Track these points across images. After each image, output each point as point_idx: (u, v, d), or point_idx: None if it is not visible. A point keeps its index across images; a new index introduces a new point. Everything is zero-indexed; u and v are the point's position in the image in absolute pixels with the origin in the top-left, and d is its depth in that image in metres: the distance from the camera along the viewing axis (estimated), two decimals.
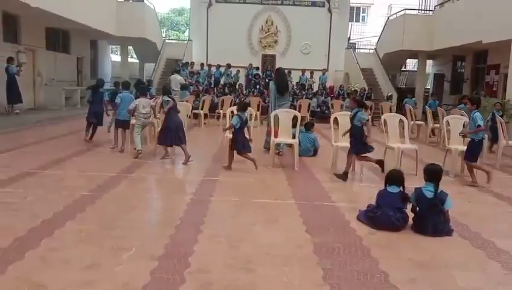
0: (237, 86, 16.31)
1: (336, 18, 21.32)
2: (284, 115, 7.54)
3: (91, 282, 2.94)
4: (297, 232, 4.10)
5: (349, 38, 23.72)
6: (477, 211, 5.20)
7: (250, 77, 18.15)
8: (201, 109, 13.03)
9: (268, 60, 21.51)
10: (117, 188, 5.46)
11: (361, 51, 27.65)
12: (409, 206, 4.32)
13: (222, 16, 20.69)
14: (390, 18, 20.32)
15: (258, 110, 13.49)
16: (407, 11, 18.54)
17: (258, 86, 17.10)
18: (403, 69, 25.64)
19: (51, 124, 11.87)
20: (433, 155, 8.49)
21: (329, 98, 16.19)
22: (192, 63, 18.21)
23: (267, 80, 17.76)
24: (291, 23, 21.18)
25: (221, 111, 12.68)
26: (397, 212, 4.22)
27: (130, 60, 24.59)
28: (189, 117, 12.12)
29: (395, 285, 3.07)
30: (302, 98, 15.62)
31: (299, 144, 8.35)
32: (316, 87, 17.91)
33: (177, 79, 14.10)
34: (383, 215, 4.24)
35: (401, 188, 4.35)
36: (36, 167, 6.38)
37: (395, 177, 4.40)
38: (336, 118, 7.42)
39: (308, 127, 8.66)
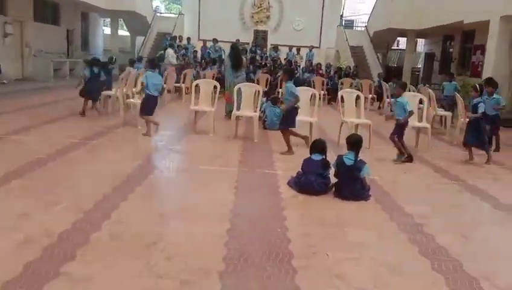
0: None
1: None
2: (247, 88, 7.84)
3: (16, 227, 3.32)
4: (224, 193, 4.46)
5: (341, 16, 23.68)
6: (408, 181, 5.55)
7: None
8: (183, 83, 13.27)
9: (260, 36, 21.59)
10: (73, 153, 5.82)
11: (358, 29, 27.64)
12: (332, 172, 4.66)
13: None
14: None
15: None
16: None
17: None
18: (395, 47, 25.63)
19: (35, 94, 12.18)
20: None
21: (312, 75, 16.32)
22: (180, 37, 18.33)
23: (252, 56, 17.96)
24: None
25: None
26: (318, 178, 4.57)
27: (121, 33, 24.73)
28: (169, 92, 12.55)
29: (288, 238, 3.43)
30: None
31: (265, 118, 8.78)
32: (303, 64, 18.04)
33: (169, 53, 14.57)
34: (305, 180, 4.59)
35: (323, 156, 4.70)
36: (4, 132, 6.73)
37: (318, 146, 4.75)
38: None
39: (274, 101, 8.94)
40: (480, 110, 6.49)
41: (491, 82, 7.35)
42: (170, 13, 25.07)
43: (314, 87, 13.86)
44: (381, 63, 19.70)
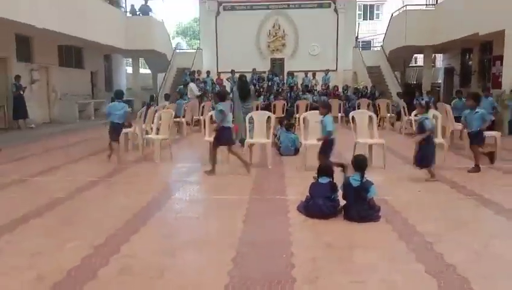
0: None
1: (343, 18, 21.57)
2: (259, 116, 7.97)
3: (30, 266, 3.46)
4: (234, 222, 4.50)
5: (357, 37, 23.83)
6: (422, 199, 5.45)
7: (254, 81, 18.60)
8: (201, 115, 13.45)
9: (277, 64, 21.98)
10: (92, 190, 6.02)
11: (375, 49, 27.71)
12: (340, 194, 4.65)
13: (230, 23, 21.37)
14: (394, 14, 20.32)
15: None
16: (409, 7, 18.54)
17: (261, 90, 17.54)
18: (412, 64, 25.48)
19: (61, 136, 12.67)
20: None
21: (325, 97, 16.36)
22: (199, 72, 18.84)
23: (269, 84, 18.25)
24: (298, 26, 21.57)
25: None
26: (327, 201, 4.57)
27: (143, 71, 25.60)
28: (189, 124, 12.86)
29: (292, 263, 3.44)
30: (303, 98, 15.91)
31: (280, 143, 8.87)
32: (319, 88, 18.18)
33: (192, 87, 15.16)
34: (313, 204, 4.60)
35: (330, 179, 4.71)
36: (28, 174, 7.04)
37: (324, 170, 4.77)
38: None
39: (288, 127, 9.04)
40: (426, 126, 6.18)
41: (472, 95, 7.18)
42: (189, 49, 25.67)
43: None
44: (399, 82, 19.56)
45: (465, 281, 3.08)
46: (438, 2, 18.71)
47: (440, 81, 23.13)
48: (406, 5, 18.74)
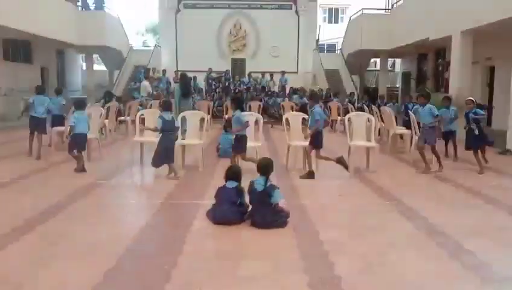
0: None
1: (304, 20, 21.56)
2: (192, 115, 7.69)
3: None
4: (130, 229, 4.21)
5: (317, 40, 23.91)
6: (337, 205, 5.31)
7: (210, 81, 18.35)
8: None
9: (238, 64, 21.72)
10: None
11: (339, 52, 27.86)
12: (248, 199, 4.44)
13: (190, 22, 20.96)
14: (351, 18, 20.45)
15: (209, 113, 13.74)
16: (365, 11, 18.67)
17: (217, 90, 17.28)
18: (372, 68, 25.79)
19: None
20: None
21: (284, 99, 16.26)
22: (154, 69, 18.39)
23: (226, 84, 18.02)
24: (260, 26, 21.42)
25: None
26: (232, 207, 4.34)
27: (99, 68, 24.87)
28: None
29: (170, 275, 3.18)
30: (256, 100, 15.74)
31: (218, 145, 8.60)
32: (276, 89, 18.06)
33: (145, 85, 14.56)
34: (218, 210, 4.36)
35: (237, 183, 4.48)
36: None
37: (232, 173, 4.54)
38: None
39: (227, 128, 8.79)
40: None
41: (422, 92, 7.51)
42: (148, 47, 25.14)
43: (284, 111, 13.88)
44: (355, 85, 19.69)
45: None
46: (394, 7, 18.94)
47: (398, 85, 23.48)
48: (362, 9, 18.84)
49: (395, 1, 19.22)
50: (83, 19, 18.62)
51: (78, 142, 6.91)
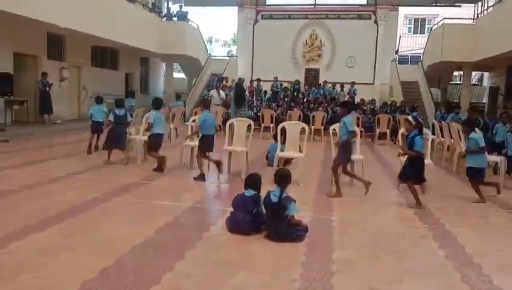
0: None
1: (383, 30, 20.78)
2: (239, 123, 7.74)
3: None
4: (145, 229, 4.28)
5: (397, 51, 22.87)
6: (371, 224, 4.96)
7: (275, 89, 18.42)
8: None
9: (312, 74, 21.55)
10: (42, 185, 6.08)
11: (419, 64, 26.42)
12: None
13: (267, 32, 21.26)
14: (433, 28, 19.27)
15: (272, 121, 13.79)
16: (448, 21, 17.48)
17: (286, 99, 17.25)
18: (457, 82, 24.03)
19: (78, 132, 13.06)
20: None
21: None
22: (227, 78, 18.89)
23: (294, 94, 17.93)
24: (336, 37, 21.06)
25: None
26: (247, 216, 4.25)
27: (179, 75, 26.10)
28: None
29: (160, 279, 3.19)
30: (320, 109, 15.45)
31: (268, 153, 8.55)
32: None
33: (212, 94, 15.01)
34: (233, 218, 4.31)
35: (256, 192, 4.38)
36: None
37: (250, 181, 4.45)
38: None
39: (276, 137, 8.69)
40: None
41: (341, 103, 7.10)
42: (226, 56, 25.94)
43: None
44: (433, 98, 18.44)
45: None
46: (479, 16, 17.53)
47: (485, 101, 21.63)
48: (444, 19, 17.68)
49: (481, 11, 17.79)
50: (165, 29, 19.74)
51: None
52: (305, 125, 7.32)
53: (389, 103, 16.83)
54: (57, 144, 10.95)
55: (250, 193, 4.39)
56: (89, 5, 13.98)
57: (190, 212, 5.02)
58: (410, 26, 35.22)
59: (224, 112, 14.33)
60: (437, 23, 18.82)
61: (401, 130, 7.17)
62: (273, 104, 16.80)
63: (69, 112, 16.24)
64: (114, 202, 5.34)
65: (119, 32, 15.93)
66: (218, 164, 6.82)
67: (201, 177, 6.71)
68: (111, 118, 8.14)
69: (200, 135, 6.95)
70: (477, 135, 6.09)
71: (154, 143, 7.57)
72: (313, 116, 14.09)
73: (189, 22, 21.08)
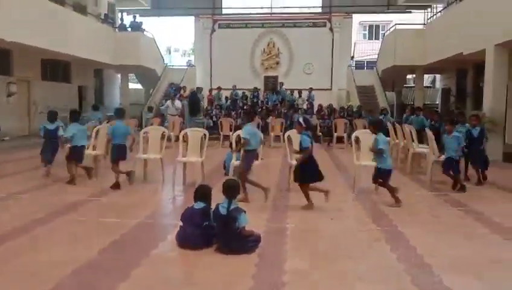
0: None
1: (338, 37, 21.16)
2: (193, 133, 7.58)
3: None
4: (88, 249, 4.04)
5: (352, 57, 23.37)
6: (325, 230, 4.90)
7: (234, 97, 18.41)
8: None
9: (270, 81, 21.59)
10: None
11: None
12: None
13: (225, 41, 21.19)
14: (386, 34, 19.84)
15: (231, 130, 13.66)
16: (399, 26, 18.03)
17: (244, 107, 17.20)
18: (409, 84, 24.81)
19: (26, 149, 12.46)
20: None
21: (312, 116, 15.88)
22: (185, 88, 18.63)
23: (254, 100, 17.94)
24: (293, 44, 21.25)
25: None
26: (196, 230, 4.09)
27: (136, 86, 25.57)
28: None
29: None
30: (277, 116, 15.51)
31: (225, 162, 8.41)
32: (305, 106, 17.73)
33: (167, 104, 14.75)
34: (182, 233, 4.15)
35: (206, 204, 4.23)
36: None
37: (199, 193, 4.30)
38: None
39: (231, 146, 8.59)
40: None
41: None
42: (182, 66, 25.62)
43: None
44: (388, 101, 18.94)
45: None
46: (427, 22, 18.20)
47: (437, 102, 22.42)
48: (395, 25, 18.23)
49: (430, 16, 18.48)
50: (118, 40, 19.27)
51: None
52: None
53: (346, 107, 17.11)
54: (3, 162, 10.34)
55: (199, 205, 4.24)
56: (37, 17, 13.47)
57: (138, 229, 4.79)
58: (365, 32, 36.17)
59: (181, 122, 14.08)
60: (389, 29, 19.33)
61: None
62: (233, 113, 16.73)
63: (19, 128, 15.49)
64: (58, 221, 5.04)
65: (71, 44, 15.41)
66: (128, 174, 6.97)
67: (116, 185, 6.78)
68: (41, 132, 8.21)
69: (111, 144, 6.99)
70: (383, 137, 6.07)
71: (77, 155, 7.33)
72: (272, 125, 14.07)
73: (144, 32, 20.70)
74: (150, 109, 15.31)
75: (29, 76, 16.01)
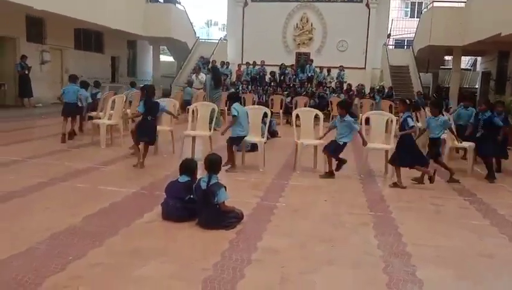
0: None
1: (374, 14, 20.41)
2: (202, 106, 7.58)
3: None
4: (83, 214, 4.17)
5: (389, 35, 22.49)
6: (314, 210, 4.82)
7: (261, 74, 18.22)
8: None
9: (302, 58, 21.22)
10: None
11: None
12: None
13: (257, 15, 20.92)
14: (423, 12, 18.90)
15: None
16: (437, 4, 17.11)
17: (271, 83, 17.02)
18: (448, 66, 23.71)
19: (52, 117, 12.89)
20: None
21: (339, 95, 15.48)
22: (214, 62, 18.60)
23: (281, 78, 17.69)
24: (327, 20, 20.73)
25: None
26: (178, 202, 4.13)
27: (168, 59, 25.76)
28: None
29: (66, 267, 3.07)
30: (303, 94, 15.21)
31: None
32: (333, 85, 17.30)
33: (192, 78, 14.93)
34: (165, 205, 4.19)
35: (189, 179, 4.24)
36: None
37: (184, 166, 4.31)
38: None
39: None
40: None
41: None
42: (212, 39, 25.56)
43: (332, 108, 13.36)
44: (421, 83, 18.17)
45: None
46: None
47: (477, 86, 21.36)
48: (433, 1, 17.31)
49: None
50: (149, 11, 19.40)
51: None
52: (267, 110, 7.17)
53: (377, 87, 16.56)
54: (30, 128, 10.77)
55: (183, 179, 4.26)
56: None
57: (130, 199, 4.89)
58: (407, 10, 34.65)
59: (204, 95, 14.11)
60: (427, 6, 18.40)
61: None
62: (259, 88, 16.60)
63: (51, 95, 16.04)
64: (56, 187, 5.21)
65: (100, 14, 15.66)
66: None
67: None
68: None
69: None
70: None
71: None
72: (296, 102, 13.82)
73: (176, 4, 20.70)
74: (133, 84, 15.36)
75: (62, 45, 16.46)
